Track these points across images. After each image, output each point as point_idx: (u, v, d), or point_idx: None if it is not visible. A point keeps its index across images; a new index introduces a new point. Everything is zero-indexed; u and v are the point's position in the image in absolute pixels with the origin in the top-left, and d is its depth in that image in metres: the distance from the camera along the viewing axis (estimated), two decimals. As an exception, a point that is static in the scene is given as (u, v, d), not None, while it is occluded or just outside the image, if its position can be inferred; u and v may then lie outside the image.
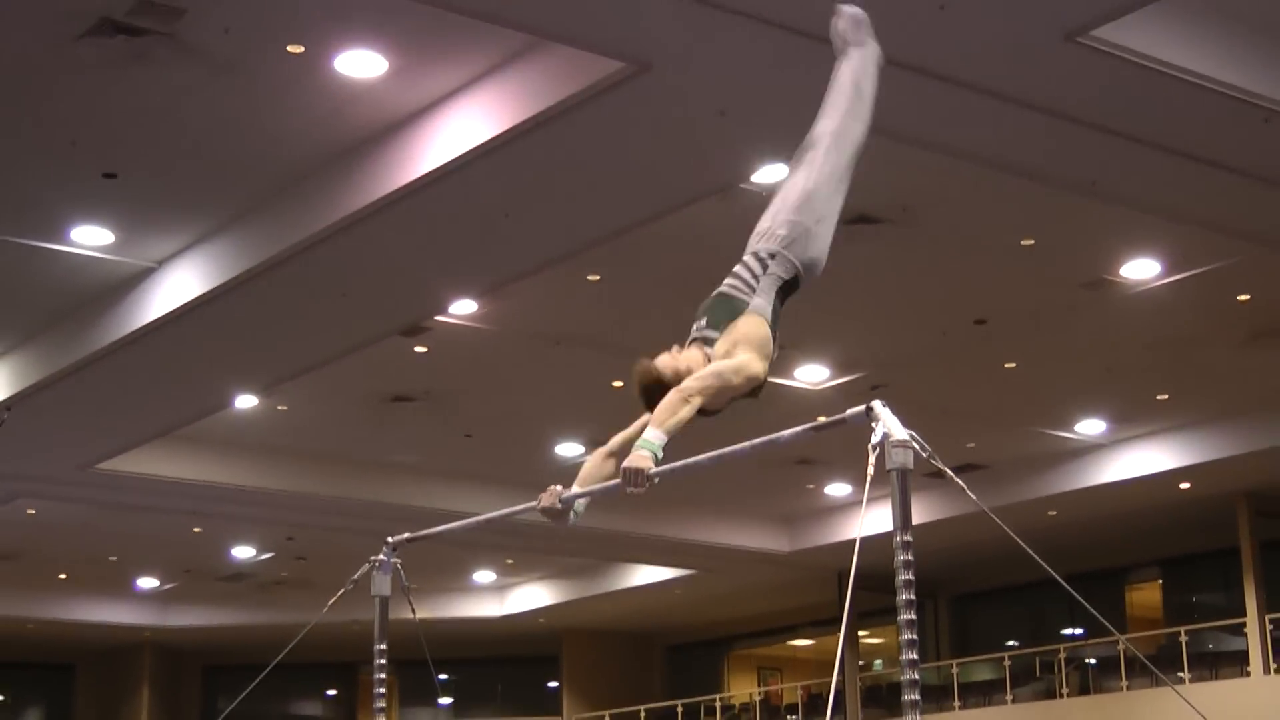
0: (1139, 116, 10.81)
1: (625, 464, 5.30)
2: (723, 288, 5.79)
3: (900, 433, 4.52)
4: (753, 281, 5.74)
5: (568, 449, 19.61)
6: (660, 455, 5.29)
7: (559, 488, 5.85)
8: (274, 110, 11.33)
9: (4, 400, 15.83)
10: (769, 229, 5.88)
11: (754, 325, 5.63)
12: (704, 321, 5.71)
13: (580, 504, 5.90)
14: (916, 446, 4.52)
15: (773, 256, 5.79)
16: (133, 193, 12.59)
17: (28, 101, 11.12)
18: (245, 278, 13.10)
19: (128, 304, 14.25)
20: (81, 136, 11.66)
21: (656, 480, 5.27)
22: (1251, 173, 11.73)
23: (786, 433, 5.15)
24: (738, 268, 5.83)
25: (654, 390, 5.52)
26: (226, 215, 13.05)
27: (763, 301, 5.70)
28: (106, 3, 9.79)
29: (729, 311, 5.68)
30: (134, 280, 14.12)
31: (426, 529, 7.03)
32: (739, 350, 5.53)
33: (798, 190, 5.94)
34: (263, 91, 11.06)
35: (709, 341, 5.64)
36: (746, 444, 5.31)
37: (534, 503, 5.90)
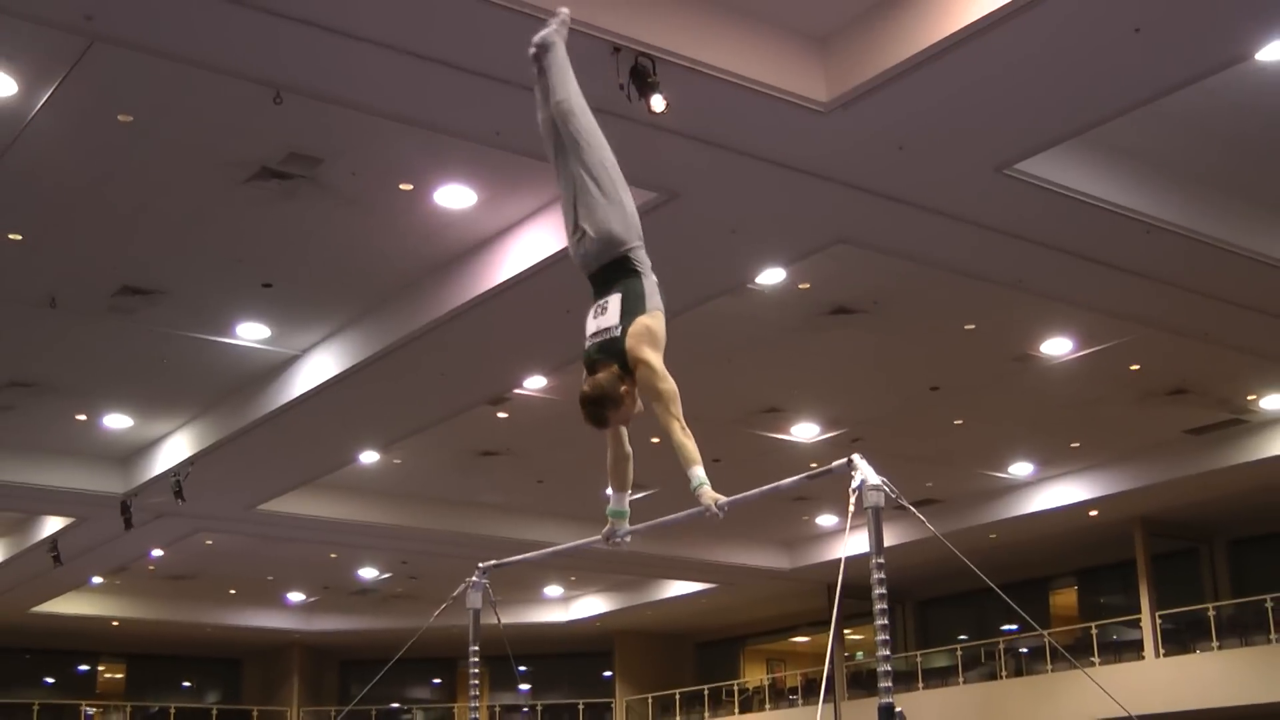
0: (1053, 229, 10.80)
1: (706, 503, 4.87)
2: (615, 293, 5.06)
3: (874, 479, 4.47)
4: (636, 282, 5.08)
5: (617, 491, 19.46)
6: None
7: (611, 527, 5.64)
8: (389, 233, 11.38)
9: (188, 458, 15.87)
10: (604, 233, 5.18)
11: (659, 322, 5.02)
12: (608, 319, 5.00)
13: (627, 535, 5.67)
14: (886, 489, 4.49)
15: (630, 253, 5.19)
16: (284, 298, 12.65)
17: (205, 230, 11.21)
18: (369, 362, 13.11)
19: (280, 383, 14.27)
20: (245, 255, 11.73)
21: (727, 507, 5.02)
22: (1137, 271, 11.70)
23: (787, 481, 5.08)
24: (613, 269, 5.14)
25: (601, 403, 5.08)
26: (354, 314, 13.09)
27: (654, 292, 5.09)
28: (264, 154, 9.88)
29: (631, 308, 5.01)
30: (284, 365, 14.16)
31: (509, 557, 6.96)
32: (648, 351, 4.91)
33: (588, 183, 5.30)
34: (381, 219, 11.11)
35: (611, 337, 4.98)
36: (757, 490, 5.25)
37: (596, 536, 5.82)
